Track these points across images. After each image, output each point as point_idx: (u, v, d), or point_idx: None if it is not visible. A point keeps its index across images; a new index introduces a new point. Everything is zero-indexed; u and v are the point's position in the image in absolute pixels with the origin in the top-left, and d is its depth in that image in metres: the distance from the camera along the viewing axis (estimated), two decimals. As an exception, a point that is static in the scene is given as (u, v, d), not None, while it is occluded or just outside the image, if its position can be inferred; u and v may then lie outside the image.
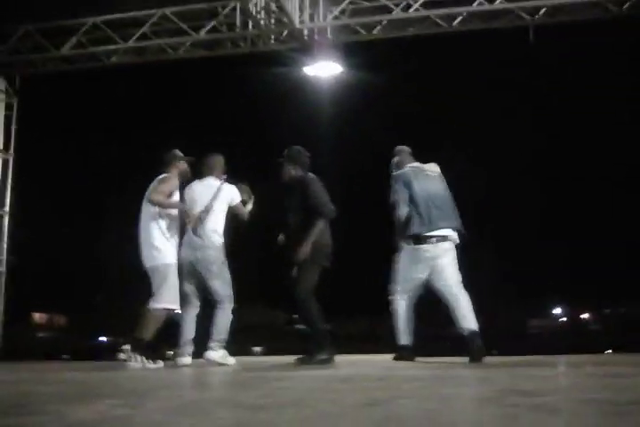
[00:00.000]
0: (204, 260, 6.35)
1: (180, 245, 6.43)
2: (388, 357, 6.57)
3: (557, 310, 56.99)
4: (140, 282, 6.55)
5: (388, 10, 10.57)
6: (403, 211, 6.00)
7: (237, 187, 6.67)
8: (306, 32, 10.76)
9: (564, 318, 56.41)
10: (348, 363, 6.61)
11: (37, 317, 58.37)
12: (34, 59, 11.68)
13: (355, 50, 11.19)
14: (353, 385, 3.54)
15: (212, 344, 6.26)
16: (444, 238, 5.98)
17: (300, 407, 2.34)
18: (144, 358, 5.92)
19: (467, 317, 5.86)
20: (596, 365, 5.44)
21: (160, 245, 6.26)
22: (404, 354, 6.28)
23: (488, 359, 5.91)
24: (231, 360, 6.31)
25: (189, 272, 6.40)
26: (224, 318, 6.33)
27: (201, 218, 6.36)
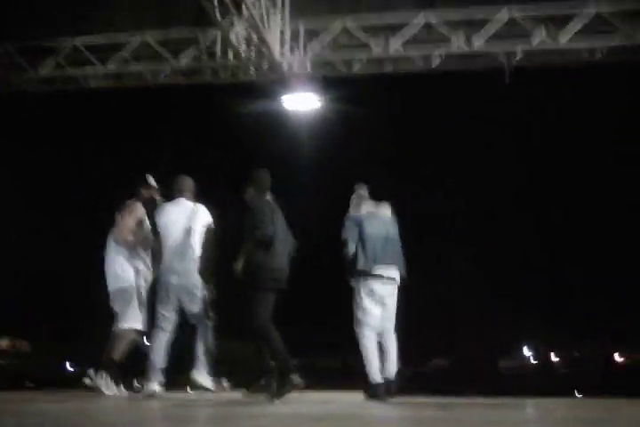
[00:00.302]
0: (188, 285, 6.22)
1: (157, 268, 6.39)
2: (360, 395, 6.39)
3: (526, 351, 57.12)
4: (106, 308, 6.48)
5: (367, 47, 10.65)
6: (351, 248, 6.34)
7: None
8: (285, 65, 10.78)
9: (535, 361, 56.52)
10: (321, 400, 6.47)
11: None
12: (11, 78, 11.54)
13: (334, 83, 11.24)
14: (325, 425, 3.42)
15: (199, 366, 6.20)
16: (392, 280, 6.38)
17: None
18: (109, 379, 5.94)
19: (389, 359, 6.30)
20: (567, 409, 5.37)
21: (123, 267, 6.29)
22: (376, 392, 6.15)
23: (460, 400, 5.80)
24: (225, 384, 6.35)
25: (167, 297, 6.25)
26: (207, 340, 6.24)
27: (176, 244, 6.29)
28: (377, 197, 6.89)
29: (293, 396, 5.89)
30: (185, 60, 10.83)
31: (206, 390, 6.19)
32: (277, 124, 13.08)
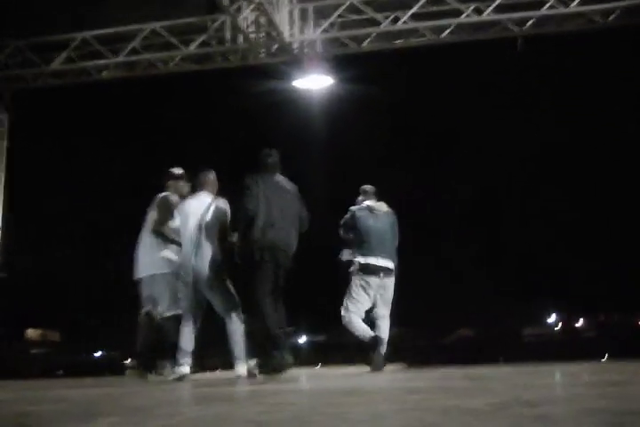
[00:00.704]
0: (204, 278, 6.36)
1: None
2: (386, 368, 6.57)
3: (552, 318, 57.07)
4: (134, 296, 6.65)
5: (376, 23, 10.64)
6: (347, 235, 7.14)
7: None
8: (296, 45, 10.81)
9: (559, 326, 56.45)
10: (343, 375, 6.61)
11: (31, 333, 57.98)
12: (24, 74, 11.67)
13: (345, 62, 11.25)
14: (355, 399, 3.54)
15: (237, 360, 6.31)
16: (389, 272, 7.06)
17: (304, 423, 2.33)
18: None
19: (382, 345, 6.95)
20: (593, 373, 5.45)
21: (157, 256, 6.47)
22: (374, 344, 6.86)
23: (486, 369, 5.91)
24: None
25: (191, 287, 6.41)
26: (237, 331, 6.31)
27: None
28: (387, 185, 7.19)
29: (314, 371, 6.15)
30: (194, 46, 10.88)
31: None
32: (290, 105, 13.13)
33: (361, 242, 6.97)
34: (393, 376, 6.01)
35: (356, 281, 7.00)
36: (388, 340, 7.12)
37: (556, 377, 5.17)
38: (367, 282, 6.98)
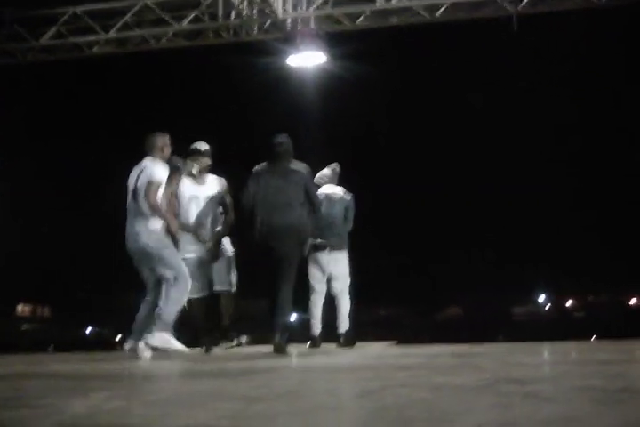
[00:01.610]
0: (140, 247, 5.96)
1: (124, 233, 6.08)
2: (376, 345, 6.62)
3: (541, 298, 57.44)
4: (124, 272, 6.57)
5: (371, 0, 10.55)
6: None
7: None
8: (289, 22, 10.71)
9: (549, 306, 56.83)
10: (336, 352, 6.65)
11: (22, 308, 58.03)
12: (12, 49, 11.51)
13: (339, 39, 11.15)
14: (345, 375, 3.56)
15: (154, 328, 5.81)
16: (336, 248, 7.52)
17: (295, 399, 2.34)
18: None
19: (340, 317, 7.51)
20: (583, 352, 5.50)
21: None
22: (314, 343, 7.41)
23: (475, 347, 5.95)
24: (179, 346, 5.87)
25: (136, 262, 6.11)
26: (167, 302, 5.85)
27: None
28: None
29: (304, 348, 6.31)
30: (187, 22, 10.76)
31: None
32: (283, 82, 13.04)
33: (314, 225, 7.12)
34: (383, 353, 6.06)
35: (310, 260, 7.51)
36: (351, 314, 7.61)
37: (546, 356, 5.22)
38: (316, 259, 7.49)
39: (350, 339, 7.50)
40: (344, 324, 7.52)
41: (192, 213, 6.78)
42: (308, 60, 11.00)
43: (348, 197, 7.79)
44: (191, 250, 6.66)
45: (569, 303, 56.61)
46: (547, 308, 56.78)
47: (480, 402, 2.07)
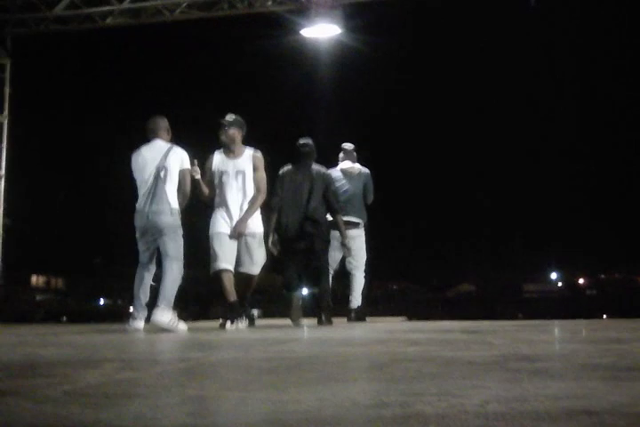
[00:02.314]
0: (157, 225, 6.08)
1: (134, 211, 6.23)
2: (387, 320, 6.66)
3: (554, 276, 57.44)
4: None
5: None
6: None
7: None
8: (304, -7, 10.59)
9: (561, 284, 56.90)
10: (348, 326, 6.69)
11: (36, 279, 58.68)
12: (25, 18, 11.46)
13: (354, 11, 11.02)
14: (356, 349, 3.58)
15: (158, 308, 5.89)
16: (354, 225, 7.84)
17: (305, 371, 2.36)
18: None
19: (353, 293, 7.83)
20: (594, 330, 5.50)
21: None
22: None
23: (486, 323, 5.96)
24: (182, 326, 5.91)
25: (145, 238, 6.20)
26: (171, 280, 6.01)
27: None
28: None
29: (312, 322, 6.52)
30: (201, -8, 10.67)
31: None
32: (297, 54, 12.95)
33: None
34: (393, 328, 6.08)
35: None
36: (364, 291, 7.97)
37: (556, 333, 5.22)
38: (333, 234, 7.54)
39: (361, 315, 7.81)
40: (356, 300, 7.81)
41: (222, 188, 6.58)
42: (322, 31, 10.89)
43: (366, 171, 8.07)
44: (221, 225, 6.53)
45: (581, 281, 56.56)
46: (559, 285, 56.77)
47: (489, 378, 2.07)
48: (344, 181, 7.89)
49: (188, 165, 6.24)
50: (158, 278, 6.27)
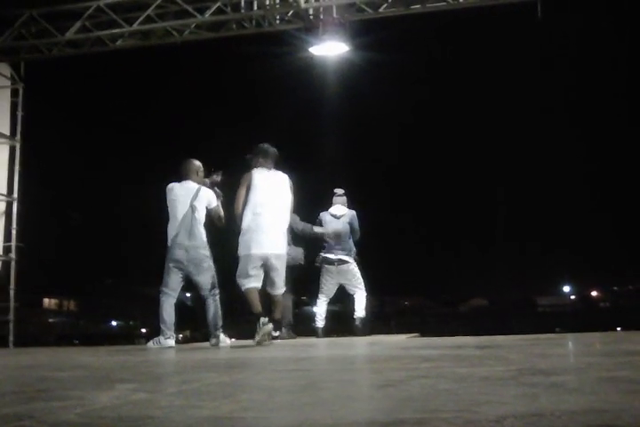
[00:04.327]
0: (195, 258, 6.84)
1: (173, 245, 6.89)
2: (400, 337, 6.63)
3: (566, 288, 57.03)
4: (147, 266, 6.82)
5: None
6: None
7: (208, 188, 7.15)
8: (311, 11, 10.66)
9: (573, 297, 56.44)
10: (362, 343, 6.66)
11: (48, 302, 58.74)
12: (38, 44, 11.61)
13: (362, 29, 11.07)
14: (368, 366, 3.56)
15: (212, 335, 6.87)
16: (342, 262, 8.99)
17: (318, 390, 2.35)
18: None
19: (357, 308, 8.94)
20: (608, 343, 5.45)
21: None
22: (317, 333, 8.93)
23: (499, 338, 5.92)
24: (228, 341, 6.90)
25: (179, 268, 6.88)
26: (216, 308, 6.86)
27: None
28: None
29: (328, 339, 6.61)
30: (209, 14, 10.76)
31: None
32: (306, 72, 13.00)
33: (323, 241, 9.05)
34: (406, 345, 6.05)
35: (322, 270, 9.04)
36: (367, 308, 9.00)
37: (571, 347, 5.18)
38: (327, 269, 9.00)
39: (365, 327, 8.82)
40: (360, 312, 8.88)
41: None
42: (330, 49, 10.95)
43: (352, 212, 9.20)
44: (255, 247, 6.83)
45: (594, 294, 56.11)
46: (572, 298, 56.34)
47: (505, 393, 2.05)
48: (334, 223, 9.02)
49: (215, 202, 7.07)
50: (194, 300, 6.98)
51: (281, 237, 6.73)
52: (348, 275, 9.08)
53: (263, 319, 6.26)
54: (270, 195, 6.69)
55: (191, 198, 6.93)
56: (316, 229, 8.99)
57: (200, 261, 6.86)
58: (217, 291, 6.90)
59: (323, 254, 9.07)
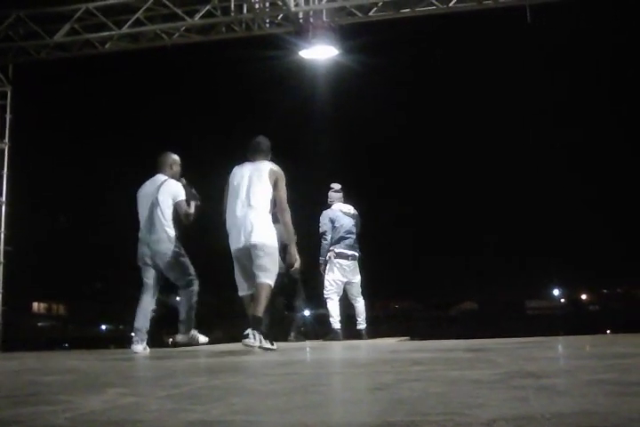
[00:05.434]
0: (159, 252, 6.54)
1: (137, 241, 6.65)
2: (390, 340, 6.63)
3: (556, 292, 57.20)
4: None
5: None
6: (326, 240, 8.76)
7: (183, 186, 6.79)
8: (301, 15, 10.67)
9: (563, 300, 56.61)
10: (352, 347, 6.66)
11: (37, 306, 58.43)
12: (27, 46, 11.55)
13: (351, 32, 11.09)
14: (360, 370, 3.56)
15: (180, 327, 6.58)
16: (354, 257, 8.82)
17: (310, 393, 2.34)
18: (262, 336, 5.74)
19: (361, 317, 8.74)
20: (598, 345, 5.47)
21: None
22: (335, 336, 8.47)
23: (489, 341, 5.94)
24: (202, 338, 6.60)
25: (146, 264, 6.61)
26: (189, 304, 6.56)
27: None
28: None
29: (319, 343, 6.43)
30: (199, 17, 10.76)
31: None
32: (295, 75, 13.00)
33: (334, 238, 8.84)
34: (397, 348, 6.05)
35: (332, 266, 8.73)
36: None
37: (560, 349, 5.20)
38: (340, 265, 8.72)
39: (368, 333, 8.66)
40: (362, 323, 8.68)
41: None
42: (320, 53, 10.95)
43: (356, 211, 9.12)
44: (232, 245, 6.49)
45: (583, 297, 56.32)
46: (561, 301, 56.52)
47: (495, 396, 2.06)
48: (342, 219, 8.87)
49: (181, 196, 6.63)
50: (162, 304, 6.60)
51: (256, 227, 6.02)
52: (355, 272, 8.89)
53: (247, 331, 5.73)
54: (239, 188, 6.15)
55: (154, 192, 6.65)
56: (320, 261, 8.80)
57: (165, 256, 6.52)
58: (193, 288, 6.56)
59: (336, 249, 8.76)
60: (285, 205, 6.17)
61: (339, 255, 8.73)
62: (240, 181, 6.17)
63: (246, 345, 5.63)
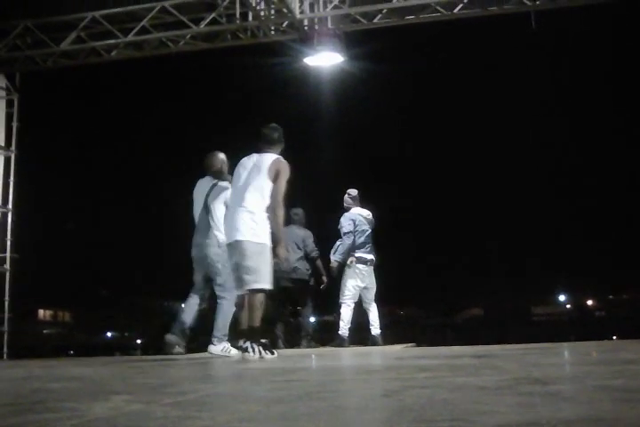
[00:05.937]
0: (207, 257, 6.53)
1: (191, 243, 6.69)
2: (396, 347, 6.62)
3: (562, 298, 56.99)
4: (143, 277, 6.69)
5: (388, -3, 10.49)
6: (350, 239, 8.70)
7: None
8: (306, 22, 10.70)
9: (569, 306, 56.38)
10: (358, 354, 6.65)
11: (43, 313, 58.49)
12: (34, 55, 11.62)
13: (357, 39, 11.12)
14: (364, 376, 3.55)
15: (213, 338, 6.46)
16: (372, 262, 8.81)
17: (315, 400, 2.34)
18: (261, 348, 5.57)
19: (375, 322, 8.72)
20: (604, 351, 5.45)
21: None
22: (341, 342, 8.43)
23: (495, 348, 5.92)
24: (233, 352, 6.29)
25: (196, 267, 6.67)
26: (224, 312, 6.44)
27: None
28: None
29: (325, 350, 6.42)
30: (204, 24, 10.79)
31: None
32: (300, 82, 13.03)
33: (357, 240, 8.79)
34: (403, 355, 6.04)
35: (350, 271, 8.67)
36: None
37: (566, 356, 5.18)
38: (360, 270, 8.67)
39: (382, 338, 8.68)
40: (375, 329, 8.67)
41: None
42: (325, 60, 10.98)
43: (372, 217, 9.11)
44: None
45: (589, 303, 56.12)
46: (567, 307, 56.33)
47: (501, 402, 2.05)
48: (366, 226, 8.88)
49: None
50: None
51: (241, 222, 5.70)
52: (372, 277, 8.85)
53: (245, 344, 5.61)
54: (237, 180, 5.96)
55: (204, 196, 6.65)
56: (334, 259, 8.78)
57: (212, 261, 6.48)
58: (231, 294, 6.26)
59: (357, 254, 8.74)
60: (279, 200, 5.76)
61: (358, 260, 8.71)
62: (241, 173, 5.99)
63: (246, 360, 5.54)
